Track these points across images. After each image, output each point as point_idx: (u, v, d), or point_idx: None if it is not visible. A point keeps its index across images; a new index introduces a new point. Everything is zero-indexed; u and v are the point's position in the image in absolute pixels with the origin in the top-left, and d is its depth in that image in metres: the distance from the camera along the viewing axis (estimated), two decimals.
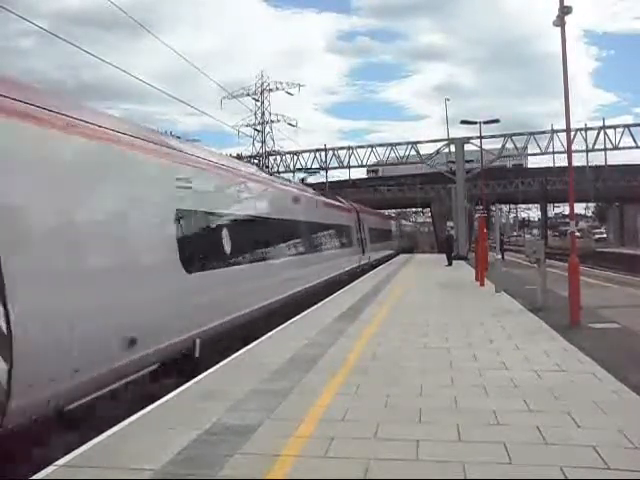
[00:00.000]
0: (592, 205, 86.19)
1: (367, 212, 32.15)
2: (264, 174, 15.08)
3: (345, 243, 22.21)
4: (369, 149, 47.24)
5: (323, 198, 20.89)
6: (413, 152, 44.90)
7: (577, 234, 15.85)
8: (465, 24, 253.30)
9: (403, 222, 60.92)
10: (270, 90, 64.02)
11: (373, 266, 28.33)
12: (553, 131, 42.02)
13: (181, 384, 6.37)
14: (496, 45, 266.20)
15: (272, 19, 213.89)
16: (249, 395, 5.77)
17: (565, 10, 10.38)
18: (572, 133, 12.67)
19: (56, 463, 4.16)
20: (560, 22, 10.44)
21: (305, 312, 12.07)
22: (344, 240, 22.05)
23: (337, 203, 23.19)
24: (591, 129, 42.65)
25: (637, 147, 42.01)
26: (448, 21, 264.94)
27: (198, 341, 7.64)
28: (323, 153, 48.51)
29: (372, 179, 58.50)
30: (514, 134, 42.96)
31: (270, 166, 50.95)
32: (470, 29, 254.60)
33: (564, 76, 10.53)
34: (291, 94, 64.19)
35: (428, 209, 67.59)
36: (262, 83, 63.87)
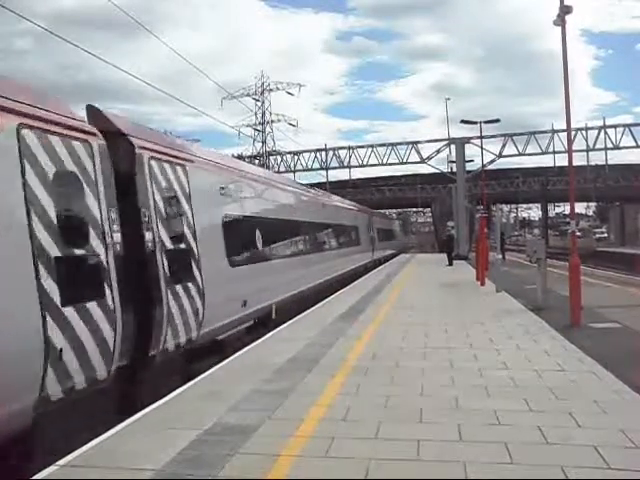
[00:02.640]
0: (593, 205, 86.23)
1: (271, 180, 13.99)
2: None
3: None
4: (369, 149, 47.16)
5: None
6: (413, 152, 44.77)
7: (578, 234, 15.85)
8: (463, 23, 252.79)
9: (383, 217, 45.08)
10: (270, 90, 64.11)
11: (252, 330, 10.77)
12: (553, 131, 41.86)
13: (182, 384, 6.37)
14: (495, 44, 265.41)
15: (270, 19, 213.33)
16: (249, 395, 5.77)
17: (565, 10, 10.37)
18: (572, 133, 12.65)
19: (56, 463, 4.16)
20: (560, 22, 10.43)
21: (306, 312, 12.07)
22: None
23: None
24: (591, 129, 42.50)
25: (637, 147, 41.89)
26: (446, 20, 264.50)
27: None
28: (323, 153, 48.50)
29: (373, 179, 58.47)
30: (514, 134, 42.84)
31: (271, 166, 50.92)
32: (468, 28, 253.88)
33: (565, 75, 10.51)
34: (291, 94, 64.27)
35: (429, 209, 67.63)
36: (262, 83, 63.94)
